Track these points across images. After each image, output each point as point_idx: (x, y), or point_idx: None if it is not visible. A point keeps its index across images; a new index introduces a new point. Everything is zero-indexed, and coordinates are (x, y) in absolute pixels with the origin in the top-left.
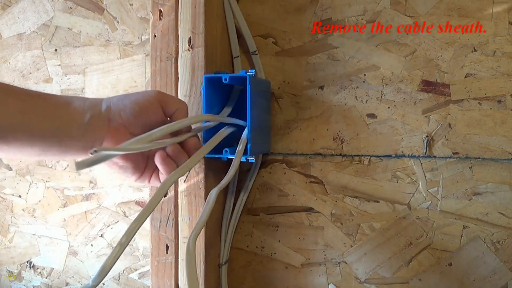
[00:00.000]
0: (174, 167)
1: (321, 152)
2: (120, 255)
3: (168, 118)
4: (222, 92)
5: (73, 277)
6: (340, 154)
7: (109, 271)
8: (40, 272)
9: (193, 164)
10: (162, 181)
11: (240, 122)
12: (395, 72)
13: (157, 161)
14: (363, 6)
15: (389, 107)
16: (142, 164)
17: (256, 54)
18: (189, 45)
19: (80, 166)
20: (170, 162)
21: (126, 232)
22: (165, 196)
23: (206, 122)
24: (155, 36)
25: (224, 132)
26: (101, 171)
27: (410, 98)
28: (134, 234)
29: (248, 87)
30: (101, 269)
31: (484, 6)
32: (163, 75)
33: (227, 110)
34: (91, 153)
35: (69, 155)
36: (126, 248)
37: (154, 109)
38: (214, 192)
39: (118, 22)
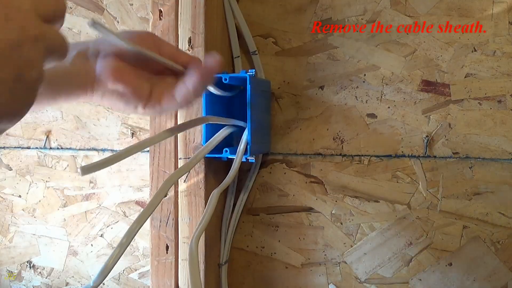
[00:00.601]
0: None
1: (321, 152)
2: (120, 256)
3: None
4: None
5: (73, 277)
6: (340, 154)
7: (110, 272)
8: (40, 272)
9: (194, 164)
10: (178, 99)
11: (240, 123)
12: (395, 72)
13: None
14: (363, 6)
15: (389, 107)
16: (145, 88)
17: (256, 54)
18: (189, 45)
19: (85, 171)
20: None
21: (126, 233)
22: (165, 196)
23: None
24: None
25: (224, 132)
26: (102, 171)
27: (410, 98)
28: (135, 235)
29: (248, 87)
30: (102, 269)
31: (484, 6)
32: None
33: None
34: (90, 25)
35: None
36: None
37: (146, 41)
38: (215, 193)
39: (118, 22)
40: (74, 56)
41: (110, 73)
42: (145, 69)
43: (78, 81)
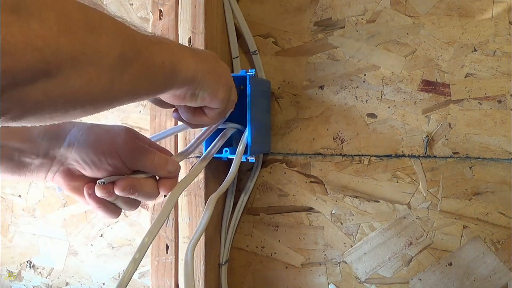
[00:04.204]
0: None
1: (321, 152)
2: (135, 271)
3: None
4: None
5: (73, 277)
6: (340, 154)
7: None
8: (40, 272)
9: (201, 169)
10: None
11: (237, 126)
12: (395, 72)
13: (85, 193)
14: (363, 6)
15: (389, 107)
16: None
17: (256, 54)
18: (189, 45)
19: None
20: (103, 203)
21: (139, 248)
22: (165, 195)
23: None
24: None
25: (229, 132)
26: None
27: (410, 98)
28: (147, 249)
29: (248, 87)
30: (117, 286)
31: (484, 6)
32: None
33: None
34: (99, 183)
35: (29, 177)
36: (126, 248)
37: (116, 167)
38: (213, 198)
39: None
40: (45, 152)
41: (66, 187)
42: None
43: (41, 176)
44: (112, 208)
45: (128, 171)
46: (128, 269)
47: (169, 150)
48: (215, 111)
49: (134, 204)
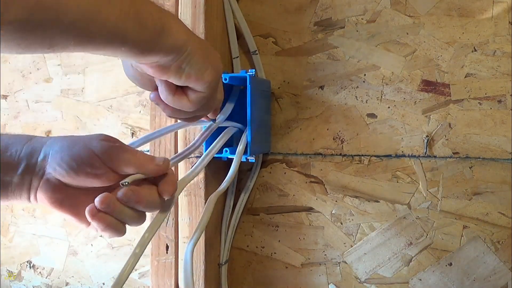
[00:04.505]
0: (110, 222)
1: (321, 152)
2: (135, 265)
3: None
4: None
5: (73, 277)
6: (340, 154)
7: (124, 282)
8: (40, 272)
9: (202, 168)
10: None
11: (238, 125)
12: (395, 72)
13: (88, 214)
14: (363, 6)
15: (389, 107)
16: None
17: (256, 53)
18: None
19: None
20: (103, 217)
21: (139, 242)
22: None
23: (204, 126)
24: None
25: (226, 134)
26: None
27: (410, 98)
28: (147, 243)
29: (248, 87)
30: (116, 280)
31: (484, 6)
32: None
33: (229, 106)
34: (123, 184)
35: (12, 200)
36: (126, 247)
37: (95, 168)
38: (212, 198)
39: None
40: (22, 170)
41: (48, 202)
42: (92, 192)
43: (24, 196)
44: (117, 225)
45: (113, 174)
46: (128, 262)
47: (169, 150)
48: (198, 95)
49: (140, 217)
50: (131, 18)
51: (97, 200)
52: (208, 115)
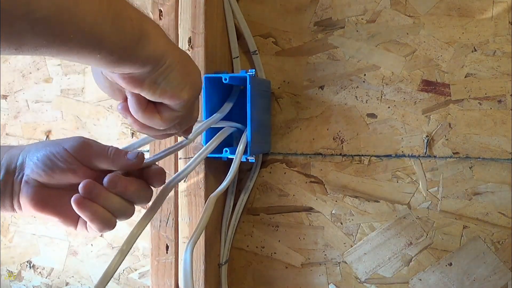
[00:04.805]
0: (97, 211)
1: (321, 152)
2: (121, 262)
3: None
4: (222, 92)
5: (73, 277)
6: (340, 154)
7: (110, 278)
8: (40, 272)
9: (195, 166)
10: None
11: (237, 125)
12: (395, 72)
13: (73, 203)
14: (363, 6)
15: (389, 107)
16: (73, 214)
17: (256, 54)
18: (189, 45)
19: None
20: (89, 205)
21: (127, 239)
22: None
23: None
24: None
25: (225, 132)
26: None
27: (410, 98)
28: (135, 240)
29: (248, 87)
30: (102, 277)
31: (484, 6)
32: None
33: (227, 105)
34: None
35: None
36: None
37: (68, 163)
38: (212, 199)
39: None
40: (2, 176)
41: (31, 205)
42: (76, 192)
43: (7, 203)
44: (104, 213)
45: (89, 171)
46: (114, 259)
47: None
48: (171, 114)
49: (128, 208)
50: (109, 20)
51: (80, 187)
52: (180, 133)
